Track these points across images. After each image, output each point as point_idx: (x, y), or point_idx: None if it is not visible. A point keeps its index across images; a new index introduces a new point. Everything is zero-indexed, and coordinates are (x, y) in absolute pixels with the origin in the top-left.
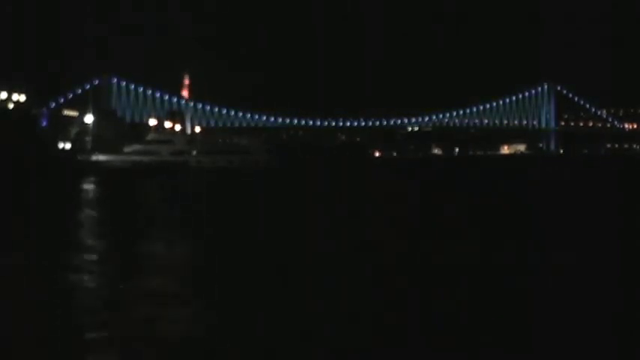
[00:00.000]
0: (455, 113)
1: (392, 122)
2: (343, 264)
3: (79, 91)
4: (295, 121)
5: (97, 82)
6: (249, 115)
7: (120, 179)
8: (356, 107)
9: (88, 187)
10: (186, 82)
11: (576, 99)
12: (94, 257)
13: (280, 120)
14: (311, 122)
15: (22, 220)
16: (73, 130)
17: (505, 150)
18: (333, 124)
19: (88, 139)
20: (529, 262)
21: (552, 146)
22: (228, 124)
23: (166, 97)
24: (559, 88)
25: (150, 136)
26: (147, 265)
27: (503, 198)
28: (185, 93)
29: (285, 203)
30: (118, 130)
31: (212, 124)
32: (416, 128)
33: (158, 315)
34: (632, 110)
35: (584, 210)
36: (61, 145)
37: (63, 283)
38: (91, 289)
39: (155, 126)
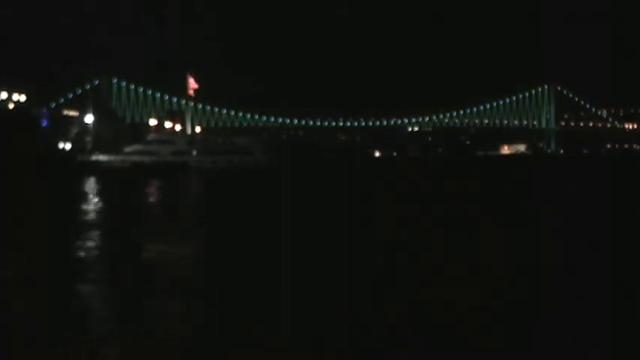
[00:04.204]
0: (455, 113)
1: (392, 122)
2: (344, 262)
3: (79, 91)
4: (295, 121)
5: (97, 82)
6: (249, 115)
7: (120, 179)
8: (356, 107)
9: (89, 187)
10: (192, 81)
11: (576, 99)
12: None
13: (280, 120)
14: (311, 122)
15: (21, 220)
16: (73, 130)
17: (505, 150)
18: (333, 124)
19: (88, 139)
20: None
21: (552, 146)
22: (228, 124)
23: (166, 97)
24: (559, 88)
25: (150, 137)
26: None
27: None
28: (190, 92)
29: (287, 203)
30: (117, 130)
31: (212, 124)
32: (416, 128)
33: None
34: (632, 110)
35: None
36: (61, 145)
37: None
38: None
39: (155, 126)
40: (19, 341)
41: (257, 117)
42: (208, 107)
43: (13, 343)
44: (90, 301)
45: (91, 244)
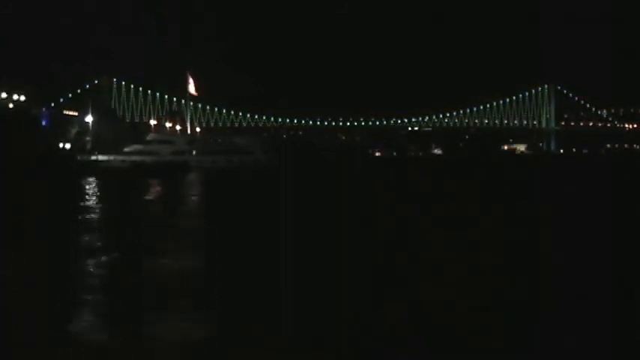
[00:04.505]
0: (455, 113)
1: (392, 122)
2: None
3: (79, 91)
4: (295, 121)
5: (96, 82)
6: (249, 115)
7: (119, 179)
8: (356, 107)
9: (89, 187)
10: (191, 81)
11: (576, 99)
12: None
13: (280, 120)
14: (311, 122)
15: (21, 220)
16: (73, 130)
17: (505, 150)
18: (333, 124)
19: (88, 139)
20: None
21: (552, 146)
22: (228, 124)
23: (166, 97)
24: (559, 87)
25: (150, 136)
26: None
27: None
28: (192, 92)
29: (287, 202)
30: (117, 130)
31: (212, 124)
32: (416, 128)
33: None
34: (632, 110)
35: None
36: (61, 145)
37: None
38: None
39: (155, 126)
40: (19, 341)
41: (257, 117)
42: (208, 107)
43: (13, 343)
44: (90, 301)
45: (90, 243)
